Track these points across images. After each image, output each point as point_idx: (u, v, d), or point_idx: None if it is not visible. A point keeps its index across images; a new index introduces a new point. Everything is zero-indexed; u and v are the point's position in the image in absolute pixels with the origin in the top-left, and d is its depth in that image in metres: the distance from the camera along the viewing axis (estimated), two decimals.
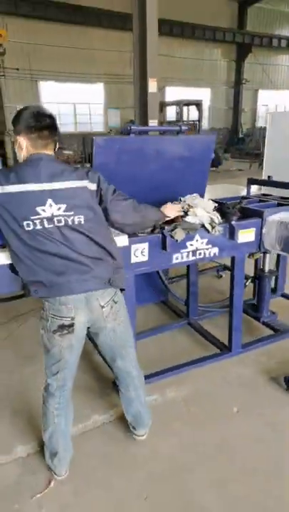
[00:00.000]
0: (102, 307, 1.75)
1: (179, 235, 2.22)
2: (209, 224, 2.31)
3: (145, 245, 2.21)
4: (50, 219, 1.60)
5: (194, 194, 2.44)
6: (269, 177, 3.20)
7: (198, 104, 14.35)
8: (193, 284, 3.17)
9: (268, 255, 2.97)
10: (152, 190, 2.37)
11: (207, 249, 2.42)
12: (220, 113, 21.60)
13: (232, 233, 2.46)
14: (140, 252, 2.21)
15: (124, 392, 2.05)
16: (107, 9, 14.84)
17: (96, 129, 17.40)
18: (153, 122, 6.41)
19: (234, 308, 2.67)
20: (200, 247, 2.39)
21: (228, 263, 3.18)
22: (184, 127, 2.57)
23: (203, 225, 2.31)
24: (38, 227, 1.59)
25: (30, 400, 2.42)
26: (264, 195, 3.09)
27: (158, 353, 2.87)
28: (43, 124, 1.65)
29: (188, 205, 2.30)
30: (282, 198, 2.89)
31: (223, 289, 3.76)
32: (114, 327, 1.83)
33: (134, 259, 2.20)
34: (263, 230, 2.52)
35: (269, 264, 3.04)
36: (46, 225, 1.60)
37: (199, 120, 14.39)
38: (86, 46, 15.44)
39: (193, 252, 2.38)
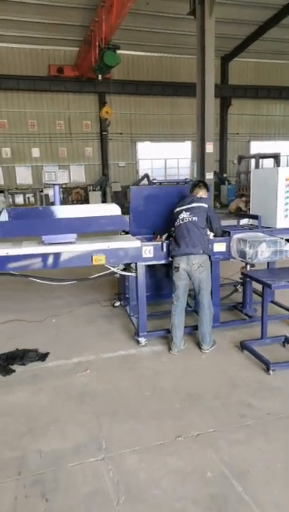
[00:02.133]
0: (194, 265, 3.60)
1: None
2: None
3: (151, 248, 3.85)
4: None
5: None
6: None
7: (275, 157, 15.61)
8: None
9: (248, 267, 4.31)
10: (166, 217, 4.04)
11: None
12: None
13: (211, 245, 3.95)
14: (148, 251, 3.85)
15: (199, 315, 3.74)
16: (191, 82, 17.61)
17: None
18: (209, 174, 8.11)
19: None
20: None
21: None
22: (188, 179, 4.22)
23: None
24: None
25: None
26: (251, 224, 4.49)
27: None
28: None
29: None
30: (263, 227, 4.25)
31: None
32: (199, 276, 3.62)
33: (144, 255, 3.85)
34: (230, 244, 3.96)
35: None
36: None
37: None
38: (175, 112, 18.25)
39: None
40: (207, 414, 2.78)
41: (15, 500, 2.09)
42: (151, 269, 4.81)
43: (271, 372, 3.24)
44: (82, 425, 2.70)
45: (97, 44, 12.01)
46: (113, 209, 3.89)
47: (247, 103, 20.19)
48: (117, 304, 5.01)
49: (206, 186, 3.96)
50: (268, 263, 4.42)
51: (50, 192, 15.26)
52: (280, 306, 4.58)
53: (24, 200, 16.18)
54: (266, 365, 3.28)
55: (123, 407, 2.89)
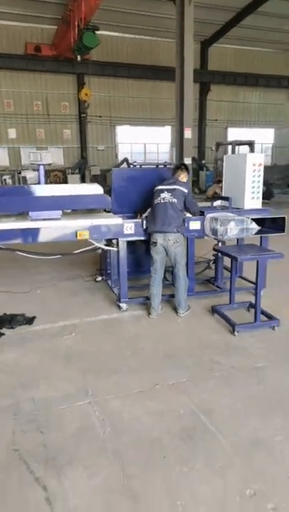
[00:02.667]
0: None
1: None
2: None
3: (132, 224, 4.17)
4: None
5: None
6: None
7: (250, 144, 16.07)
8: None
9: (220, 244, 4.70)
10: (146, 197, 4.36)
11: None
12: (284, 151, 22.93)
13: (187, 223, 4.31)
14: (129, 228, 4.17)
15: (175, 285, 4.13)
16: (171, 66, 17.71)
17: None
18: (187, 160, 8.43)
19: (190, 264, 4.45)
20: None
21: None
22: (167, 162, 4.54)
23: None
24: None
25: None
26: (223, 206, 4.87)
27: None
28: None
29: None
30: (234, 208, 4.63)
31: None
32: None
33: (126, 232, 4.16)
34: (204, 223, 4.33)
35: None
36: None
37: None
38: (155, 96, 18.33)
39: None
40: (181, 369, 3.17)
41: (13, 434, 2.42)
42: (131, 246, 5.14)
43: (236, 333, 3.67)
44: (70, 380, 3.04)
45: (76, 24, 11.90)
46: (96, 189, 4.18)
47: (225, 89, 20.47)
48: (99, 278, 5.33)
49: (187, 169, 4.30)
50: (238, 241, 4.82)
51: (28, 174, 15.16)
52: (247, 280, 5.02)
53: (1, 182, 16.02)
54: (232, 327, 3.71)
55: (106, 366, 3.24)
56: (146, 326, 3.98)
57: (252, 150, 16.10)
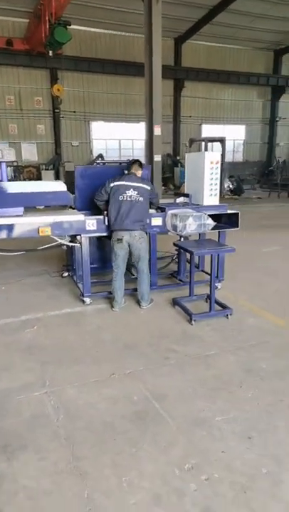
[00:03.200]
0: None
1: None
2: None
3: (94, 221, 4.28)
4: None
5: None
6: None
7: (221, 141, 16.35)
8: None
9: (182, 239, 4.88)
10: None
11: None
12: (255, 147, 23.46)
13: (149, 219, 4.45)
14: (91, 224, 4.28)
15: (138, 279, 4.26)
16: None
17: None
18: (157, 157, 8.57)
19: (152, 259, 4.61)
20: None
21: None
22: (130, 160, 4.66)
23: None
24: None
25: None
26: (185, 202, 5.04)
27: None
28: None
29: None
30: (194, 204, 4.81)
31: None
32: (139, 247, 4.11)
33: (88, 228, 4.27)
34: (166, 219, 4.49)
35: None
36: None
37: (222, 154, 16.36)
38: (129, 92, 18.37)
39: None
40: (139, 358, 3.32)
41: None
42: (98, 242, 5.26)
43: (193, 322, 3.86)
44: (30, 371, 3.14)
45: (47, 19, 11.81)
46: (59, 186, 4.27)
47: (199, 86, 20.72)
48: (66, 274, 5.41)
49: (142, 165, 4.41)
50: (199, 235, 5.01)
51: None
52: (208, 273, 5.21)
53: None
54: (190, 316, 3.90)
55: (67, 357, 3.36)
56: (109, 318, 4.12)
57: (223, 146, 16.41)
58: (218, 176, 4.57)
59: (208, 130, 21.41)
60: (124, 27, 17.03)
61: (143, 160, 16.20)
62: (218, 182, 4.60)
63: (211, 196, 4.60)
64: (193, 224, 4.19)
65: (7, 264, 5.76)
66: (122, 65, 17.67)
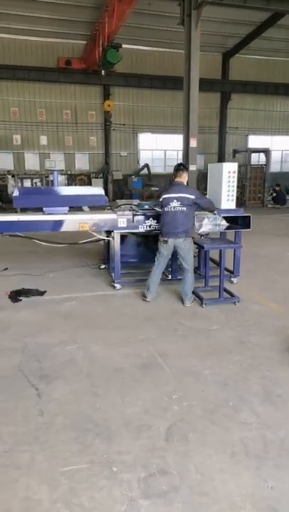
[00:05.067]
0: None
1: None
2: None
3: (124, 219, 5.12)
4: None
5: None
6: None
7: (265, 152, 16.69)
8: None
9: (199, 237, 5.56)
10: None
11: (156, 225, 5.20)
12: None
13: None
14: (122, 222, 5.12)
15: (182, 279, 4.72)
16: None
17: None
18: (193, 167, 9.31)
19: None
20: (153, 224, 5.19)
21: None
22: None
23: None
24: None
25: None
26: None
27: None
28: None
29: None
30: None
31: None
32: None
33: (119, 225, 5.11)
34: None
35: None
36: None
37: (266, 164, 16.70)
38: (176, 105, 19.24)
39: (149, 226, 5.19)
40: (153, 328, 4.07)
41: (20, 362, 3.41)
42: (137, 241, 6.05)
43: (204, 305, 4.54)
44: (66, 332, 4.01)
45: (100, 42, 13.10)
46: (98, 190, 5.18)
47: (246, 98, 21.16)
48: (103, 266, 6.30)
49: (186, 168, 4.86)
50: (220, 234, 5.64)
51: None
52: (227, 270, 5.84)
53: (32, 185, 17.40)
54: (201, 300, 4.59)
55: (95, 324, 4.20)
56: (134, 299, 4.92)
57: (267, 157, 16.74)
58: (235, 183, 5.22)
59: (254, 141, 21.73)
60: (172, 44, 17.98)
61: None
62: (235, 189, 5.24)
63: (228, 201, 5.25)
64: (208, 223, 4.89)
65: (56, 257, 6.79)
66: (170, 80, 18.61)
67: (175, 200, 4.48)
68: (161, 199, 4.66)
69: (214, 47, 18.92)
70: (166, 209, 4.55)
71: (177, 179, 4.69)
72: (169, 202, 4.52)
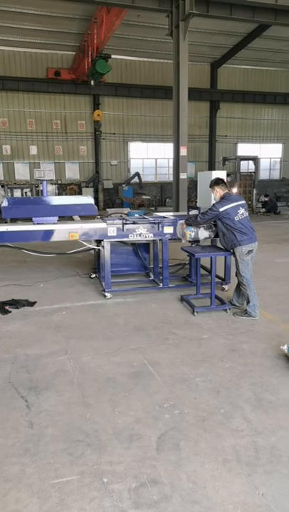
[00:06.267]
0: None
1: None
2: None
3: (115, 228, 5.14)
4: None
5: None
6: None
7: (254, 159, 16.91)
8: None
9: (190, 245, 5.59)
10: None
11: (147, 234, 5.23)
12: None
13: (162, 228, 5.24)
14: (112, 231, 5.13)
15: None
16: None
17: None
18: (183, 175, 9.40)
19: (164, 262, 5.36)
20: (143, 233, 5.22)
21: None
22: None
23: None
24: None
25: None
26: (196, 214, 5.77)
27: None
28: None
29: None
30: None
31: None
32: None
33: (109, 234, 5.13)
34: (176, 227, 5.25)
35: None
36: None
37: (255, 172, 16.91)
38: (166, 114, 19.47)
39: (140, 234, 5.22)
40: (144, 338, 4.07)
41: (10, 373, 3.38)
42: (132, 248, 6.07)
43: (195, 313, 4.55)
44: (56, 342, 3.98)
45: (89, 53, 13.25)
46: (87, 199, 5.19)
47: (235, 107, 21.52)
48: (93, 275, 6.29)
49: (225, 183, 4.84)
50: (211, 242, 5.69)
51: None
52: (218, 277, 5.88)
53: (22, 195, 17.31)
54: (192, 308, 4.60)
55: (86, 334, 4.18)
56: (124, 308, 4.91)
57: (256, 164, 16.95)
58: None
59: (243, 148, 22.03)
60: (161, 54, 18.26)
61: (171, 178, 16.24)
62: None
63: None
64: (193, 231, 4.94)
65: (47, 267, 6.75)
66: (160, 90, 18.86)
67: (241, 207, 4.56)
68: (221, 210, 4.52)
69: (202, 57, 19.25)
70: (236, 218, 4.50)
71: (233, 190, 4.84)
72: (236, 211, 4.52)
